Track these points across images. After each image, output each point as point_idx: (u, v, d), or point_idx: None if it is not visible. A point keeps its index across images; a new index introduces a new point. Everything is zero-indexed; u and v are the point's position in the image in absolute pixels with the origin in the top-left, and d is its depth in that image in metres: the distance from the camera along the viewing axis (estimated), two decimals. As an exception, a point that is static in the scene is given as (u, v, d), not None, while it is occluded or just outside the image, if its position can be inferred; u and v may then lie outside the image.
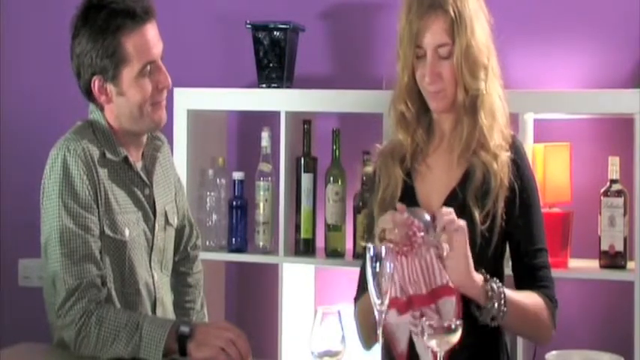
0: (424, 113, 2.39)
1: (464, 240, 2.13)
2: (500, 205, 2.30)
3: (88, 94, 2.41)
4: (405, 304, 2.15)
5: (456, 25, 2.26)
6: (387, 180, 2.39)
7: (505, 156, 2.33)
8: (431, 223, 2.14)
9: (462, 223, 2.14)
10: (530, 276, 2.34)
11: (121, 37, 2.34)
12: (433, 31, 2.27)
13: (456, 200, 2.30)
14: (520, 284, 2.34)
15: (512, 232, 2.33)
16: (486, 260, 2.26)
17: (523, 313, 2.25)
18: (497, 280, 2.20)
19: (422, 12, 2.27)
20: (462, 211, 2.26)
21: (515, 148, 2.37)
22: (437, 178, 2.37)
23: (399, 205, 2.16)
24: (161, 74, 2.40)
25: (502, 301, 2.18)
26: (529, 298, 2.28)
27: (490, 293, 2.17)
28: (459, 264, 2.14)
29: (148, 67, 2.37)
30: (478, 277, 2.18)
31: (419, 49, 2.30)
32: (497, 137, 2.33)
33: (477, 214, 2.28)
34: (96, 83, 2.37)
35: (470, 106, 2.32)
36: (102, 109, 2.42)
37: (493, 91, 2.33)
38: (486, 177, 2.31)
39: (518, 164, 2.35)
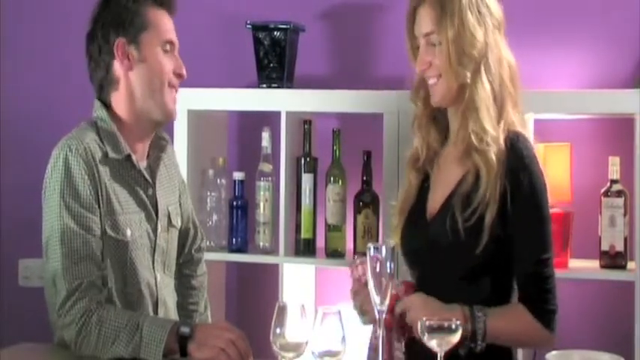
0: (440, 113, 2.40)
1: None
2: (492, 205, 2.23)
3: (101, 87, 2.42)
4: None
5: (442, 14, 2.28)
6: (404, 185, 2.45)
7: (493, 155, 2.25)
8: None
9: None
10: (529, 289, 2.28)
11: (143, 7, 2.41)
12: (421, 18, 2.33)
13: (449, 206, 2.29)
14: (520, 294, 2.29)
15: (511, 238, 2.27)
16: (474, 258, 2.24)
17: (505, 339, 2.25)
18: (478, 315, 2.19)
19: (414, 3, 2.35)
20: (446, 214, 2.27)
21: (513, 151, 2.28)
22: (442, 182, 2.36)
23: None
24: (179, 61, 2.45)
25: (477, 341, 2.18)
26: (513, 325, 2.25)
27: (465, 334, 2.13)
28: None
29: (168, 47, 2.43)
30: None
31: (416, 41, 2.35)
32: (486, 135, 2.27)
33: (459, 218, 2.25)
34: (119, 46, 2.39)
35: (461, 100, 2.31)
36: (109, 105, 2.42)
37: (483, 87, 2.29)
38: (477, 179, 2.27)
39: (513, 169, 2.26)
